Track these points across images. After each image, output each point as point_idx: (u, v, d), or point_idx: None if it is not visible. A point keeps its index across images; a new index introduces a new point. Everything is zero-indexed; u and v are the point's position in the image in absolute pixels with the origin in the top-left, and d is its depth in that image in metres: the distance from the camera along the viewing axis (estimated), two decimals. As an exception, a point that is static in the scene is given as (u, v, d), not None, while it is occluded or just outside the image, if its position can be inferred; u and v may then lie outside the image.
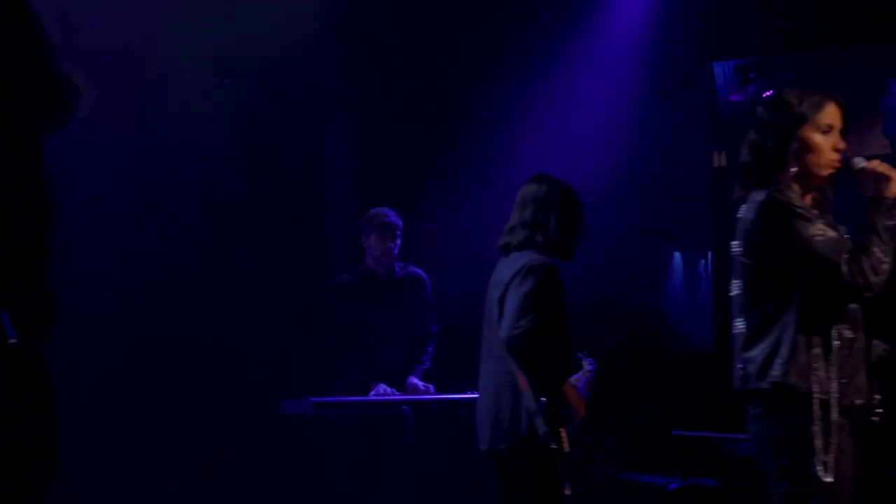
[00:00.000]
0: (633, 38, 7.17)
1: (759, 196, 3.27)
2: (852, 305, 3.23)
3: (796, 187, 3.30)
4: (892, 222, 3.18)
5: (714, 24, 6.99)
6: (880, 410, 3.25)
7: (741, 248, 3.32)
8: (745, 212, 3.32)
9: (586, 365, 4.61)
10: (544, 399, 4.29)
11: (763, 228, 3.23)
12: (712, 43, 7.14)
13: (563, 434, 4.32)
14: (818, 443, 3.10)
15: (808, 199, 3.33)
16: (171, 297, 6.12)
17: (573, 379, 4.57)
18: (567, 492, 4.28)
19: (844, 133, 3.35)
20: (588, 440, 5.49)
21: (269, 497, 6.10)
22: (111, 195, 5.97)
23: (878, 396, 3.26)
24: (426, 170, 7.03)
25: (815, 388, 3.13)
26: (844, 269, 3.11)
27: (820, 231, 3.18)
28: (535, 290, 4.39)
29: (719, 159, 7.74)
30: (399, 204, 6.24)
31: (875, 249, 3.14)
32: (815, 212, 3.30)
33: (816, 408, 3.12)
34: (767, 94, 7.99)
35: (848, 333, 3.21)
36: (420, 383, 5.96)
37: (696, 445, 6.16)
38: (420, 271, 6.23)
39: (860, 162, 3.28)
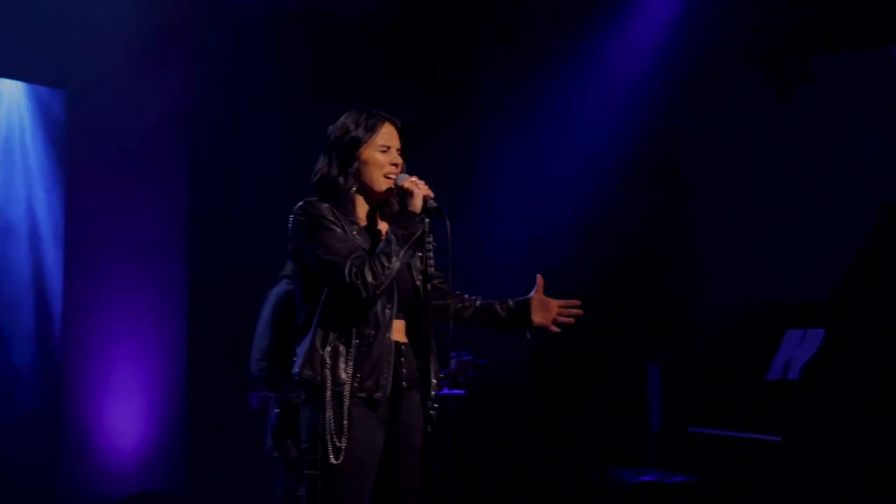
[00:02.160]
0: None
1: (296, 206, 3.54)
2: (376, 308, 3.46)
3: (358, 202, 3.57)
4: (406, 232, 3.42)
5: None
6: (437, 405, 3.47)
7: None
8: None
9: (452, 364, 5.02)
10: (276, 412, 4.87)
11: (294, 234, 3.51)
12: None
13: (289, 444, 4.85)
14: (329, 432, 3.38)
15: (378, 213, 3.60)
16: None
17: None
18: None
19: (405, 152, 3.59)
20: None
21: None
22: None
23: (433, 392, 3.49)
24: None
25: (328, 382, 3.41)
26: (346, 269, 3.35)
27: (341, 239, 3.43)
28: (270, 318, 4.95)
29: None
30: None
31: (381, 255, 3.39)
32: (373, 225, 3.57)
33: (329, 400, 3.40)
34: None
35: (368, 332, 3.46)
36: None
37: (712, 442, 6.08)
38: None
39: (399, 179, 3.53)
